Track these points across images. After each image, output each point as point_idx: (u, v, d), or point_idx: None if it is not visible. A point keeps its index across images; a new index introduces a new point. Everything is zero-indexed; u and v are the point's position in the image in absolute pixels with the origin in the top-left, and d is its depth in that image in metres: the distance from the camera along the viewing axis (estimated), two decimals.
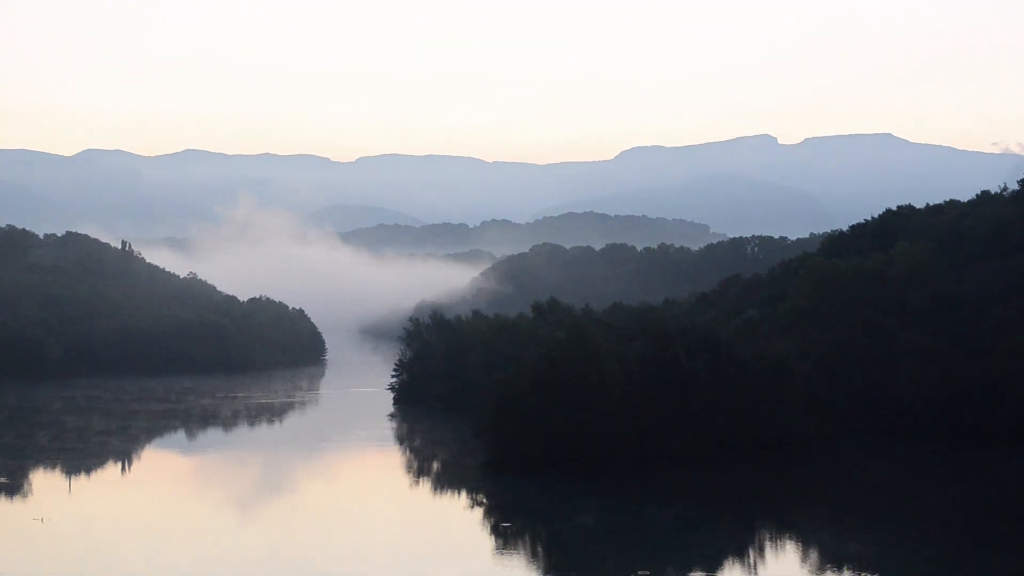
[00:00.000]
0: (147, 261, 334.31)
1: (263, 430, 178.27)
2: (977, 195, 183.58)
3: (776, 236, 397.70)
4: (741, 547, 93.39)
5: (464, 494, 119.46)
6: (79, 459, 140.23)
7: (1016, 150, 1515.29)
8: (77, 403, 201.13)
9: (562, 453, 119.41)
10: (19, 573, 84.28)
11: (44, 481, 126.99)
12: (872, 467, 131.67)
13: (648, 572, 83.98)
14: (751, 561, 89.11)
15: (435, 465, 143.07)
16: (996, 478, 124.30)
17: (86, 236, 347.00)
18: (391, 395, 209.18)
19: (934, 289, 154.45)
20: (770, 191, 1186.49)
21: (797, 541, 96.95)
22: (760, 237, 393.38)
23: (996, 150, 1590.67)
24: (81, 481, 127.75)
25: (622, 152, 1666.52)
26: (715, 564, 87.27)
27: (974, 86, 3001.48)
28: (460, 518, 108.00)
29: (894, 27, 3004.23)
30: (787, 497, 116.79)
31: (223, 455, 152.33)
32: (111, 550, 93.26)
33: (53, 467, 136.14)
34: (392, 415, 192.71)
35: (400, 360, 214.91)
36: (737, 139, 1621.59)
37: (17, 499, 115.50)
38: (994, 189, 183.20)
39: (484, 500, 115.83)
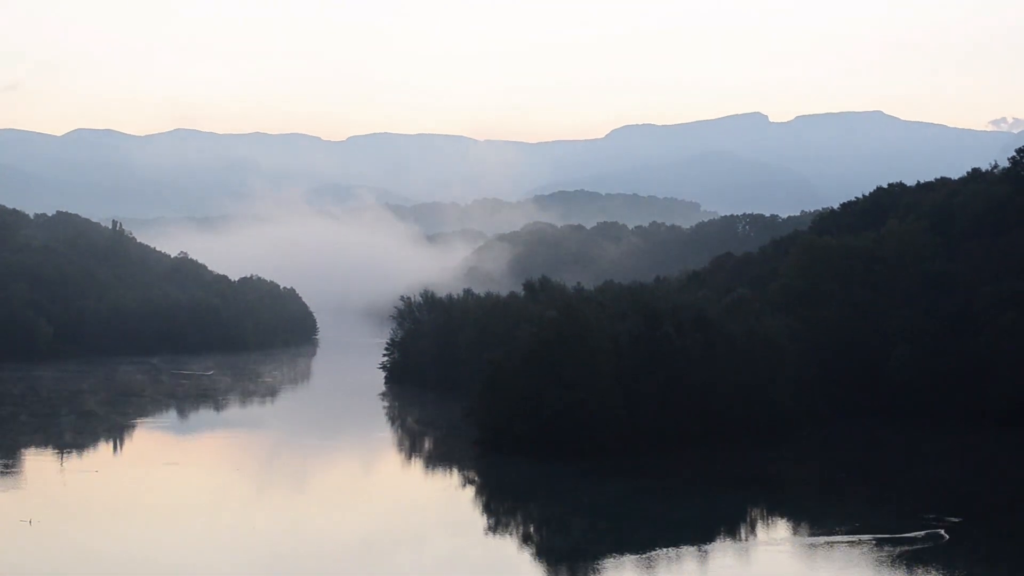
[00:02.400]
0: (137, 240, 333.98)
1: (254, 410, 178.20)
2: (968, 173, 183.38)
3: (767, 214, 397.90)
4: (731, 524, 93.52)
5: (455, 473, 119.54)
6: (70, 446, 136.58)
7: (1008, 128, 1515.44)
8: (68, 384, 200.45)
9: (553, 432, 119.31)
10: None
11: (33, 473, 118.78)
12: (862, 447, 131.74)
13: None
14: (742, 537, 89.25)
15: (426, 444, 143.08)
16: (988, 458, 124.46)
17: (76, 216, 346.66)
18: (382, 374, 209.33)
19: (925, 267, 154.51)
20: (761, 169, 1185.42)
21: (787, 520, 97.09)
22: (751, 215, 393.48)
23: (988, 127, 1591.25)
24: (72, 470, 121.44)
25: (613, 130, 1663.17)
26: (706, 541, 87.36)
27: (965, 63, 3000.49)
28: (451, 497, 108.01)
29: (885, 4, 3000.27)
30: (777, 476, 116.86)
31: (212, 438, 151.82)
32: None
33: (42, 455, 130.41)
34: (383, 394, 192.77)
35: (391, 339, 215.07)
36: (728, 117, 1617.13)
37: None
38: (985, 167, 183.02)
39: (475, 479, 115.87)
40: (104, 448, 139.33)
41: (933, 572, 78.24)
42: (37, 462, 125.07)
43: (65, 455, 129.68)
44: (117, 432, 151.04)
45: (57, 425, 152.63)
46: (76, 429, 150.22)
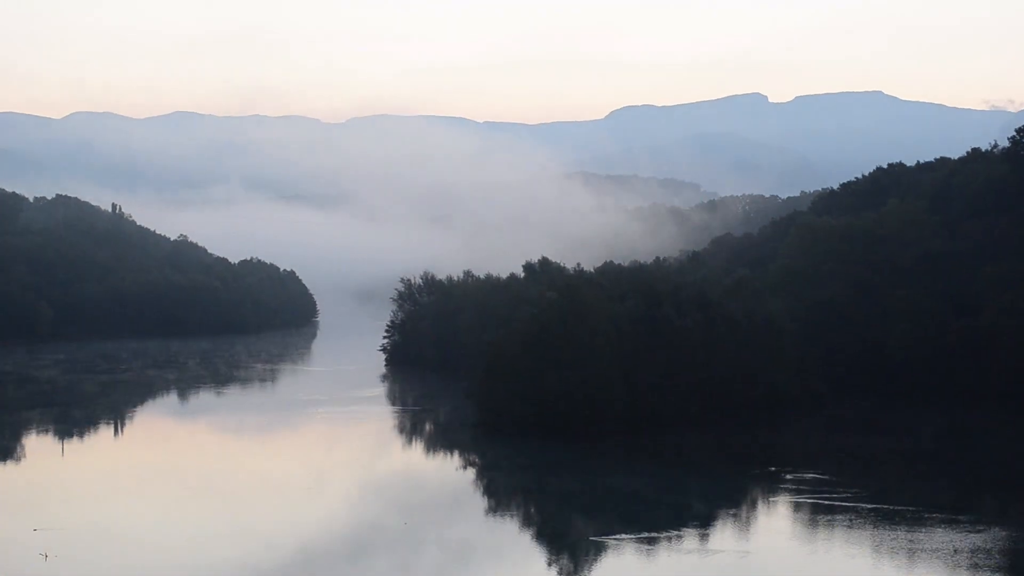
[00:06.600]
0: (137, 223, 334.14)
1: (254, 393, 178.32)
2: (968, 152, 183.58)
3: (767, 195, 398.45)
4: (732, 505, 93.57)
5: (456, 455, 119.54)
6: (79, 439, 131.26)
7: (1007, 107, 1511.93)
8: (71, 369, 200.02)
9: (553, 413, 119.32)
10: None
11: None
12: (863, 426, 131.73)
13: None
14: (743, 518, 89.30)
15: (427, 427, 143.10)
16: (990, 438, 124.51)
17: (76, 199, 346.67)
18: (383, 356, 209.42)
19: (925, 247, 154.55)
20: (761, 150, 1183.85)
21: (788, 501, 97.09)
22: (751, 196, 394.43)
23: (987, 107, 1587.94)
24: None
25: (613, 111, 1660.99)
26: (707, 522, 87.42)
27: (965, 43, 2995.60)
28: (452, 479, 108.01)
29: None
30: (778, 456, 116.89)
31: (219, 421, 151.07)
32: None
33: (50, 450, 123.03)
34: (384, 376, 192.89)
35: (392, 321, 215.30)
36: (728, 98, 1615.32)
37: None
38: (985, 146, 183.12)
39: (476, 461, 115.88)
40: (118, 452, 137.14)
41: (933, 553, 78.28)
42: (48, 465, 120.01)
43: (76, 456, 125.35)
44: (124, 424, 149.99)
45: (50, 418, 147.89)
46: (73, 423, 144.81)
